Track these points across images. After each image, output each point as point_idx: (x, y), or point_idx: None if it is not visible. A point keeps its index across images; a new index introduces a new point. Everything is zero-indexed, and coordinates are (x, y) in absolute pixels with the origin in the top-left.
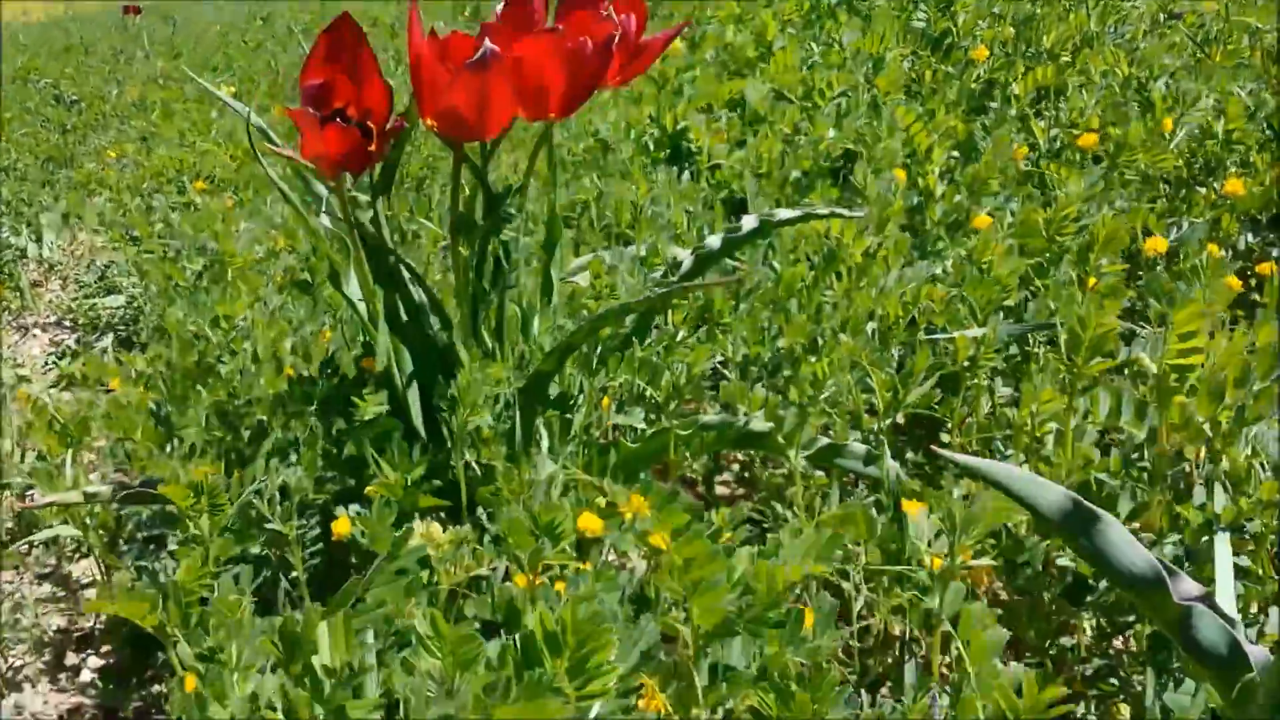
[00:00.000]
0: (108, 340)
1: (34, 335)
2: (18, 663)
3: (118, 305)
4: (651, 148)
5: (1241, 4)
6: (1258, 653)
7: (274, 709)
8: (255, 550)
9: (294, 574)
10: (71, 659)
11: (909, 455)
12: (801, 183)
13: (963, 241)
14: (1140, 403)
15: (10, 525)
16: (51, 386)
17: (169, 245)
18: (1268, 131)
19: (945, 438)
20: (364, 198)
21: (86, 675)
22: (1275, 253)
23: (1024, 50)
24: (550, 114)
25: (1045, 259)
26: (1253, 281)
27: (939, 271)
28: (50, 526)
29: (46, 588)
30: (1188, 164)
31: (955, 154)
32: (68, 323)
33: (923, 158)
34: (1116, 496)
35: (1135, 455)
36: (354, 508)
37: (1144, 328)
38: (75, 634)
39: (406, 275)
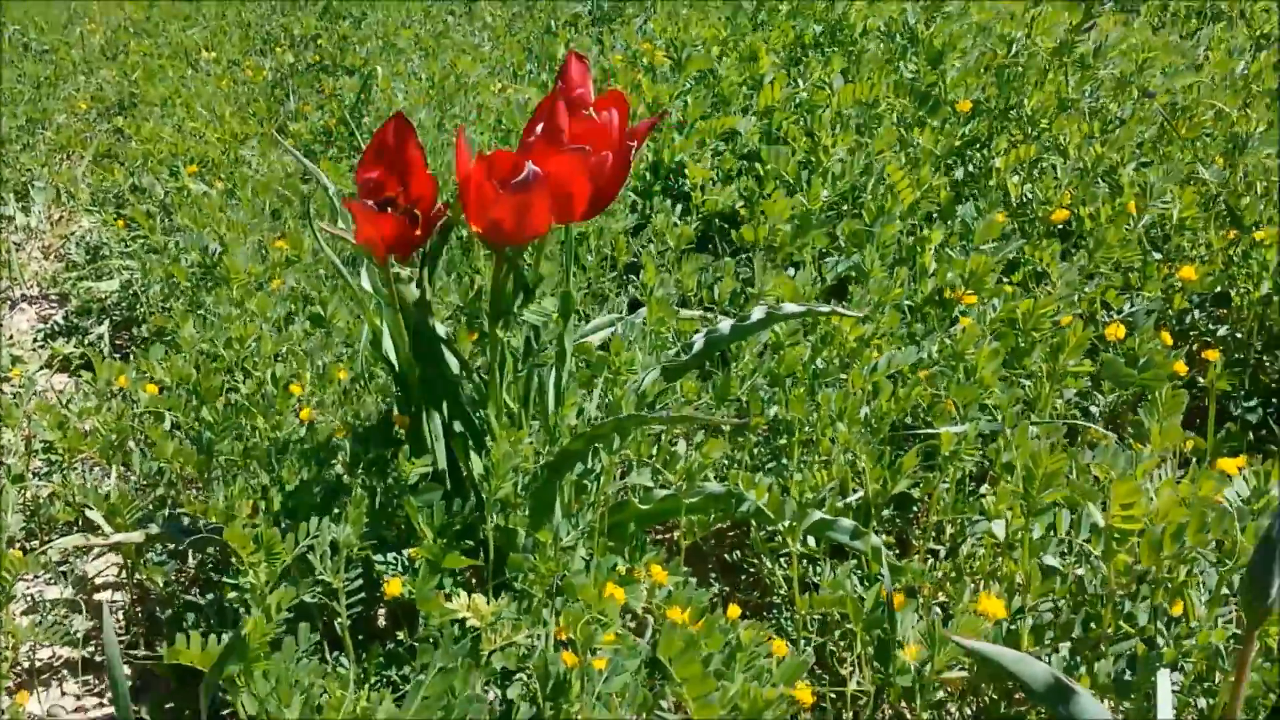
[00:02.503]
0: (104, 328)
1: (21, 309)
2: (43, 663)
3: (112, 289)
4: (648, 177)
5: (1212, 88)
6: None
7: None
8: (307, 598)
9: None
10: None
11: (885, 512)
12: (795, 232)
13: (946, 326)
14: (1094, 526)
15: (25, 524)
16: (45, 366)
17: (168, 238)
18: (1222, 205)
19: (915, 492)
20: (404, 271)
21: None
22: (1220, 331)
23: (1004, 109)
24: (574, 218)
25: (1017, 349)
26: (1196, 360)
27: (924, 357)
28: (68, 526)
29: (66, 588)
30: (1147, 234)
31: (936, 211)
32: (53, 295)
33: (906, 213)
34: (1072, 622)
35: (1088, 571)
36: (395, 558)
37: (1098, 398)
38: (100, 638)
39: (443, 345)
